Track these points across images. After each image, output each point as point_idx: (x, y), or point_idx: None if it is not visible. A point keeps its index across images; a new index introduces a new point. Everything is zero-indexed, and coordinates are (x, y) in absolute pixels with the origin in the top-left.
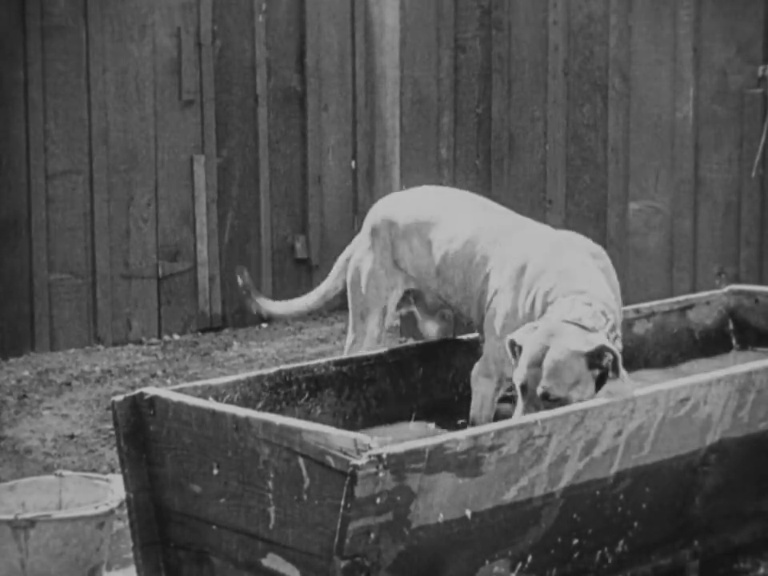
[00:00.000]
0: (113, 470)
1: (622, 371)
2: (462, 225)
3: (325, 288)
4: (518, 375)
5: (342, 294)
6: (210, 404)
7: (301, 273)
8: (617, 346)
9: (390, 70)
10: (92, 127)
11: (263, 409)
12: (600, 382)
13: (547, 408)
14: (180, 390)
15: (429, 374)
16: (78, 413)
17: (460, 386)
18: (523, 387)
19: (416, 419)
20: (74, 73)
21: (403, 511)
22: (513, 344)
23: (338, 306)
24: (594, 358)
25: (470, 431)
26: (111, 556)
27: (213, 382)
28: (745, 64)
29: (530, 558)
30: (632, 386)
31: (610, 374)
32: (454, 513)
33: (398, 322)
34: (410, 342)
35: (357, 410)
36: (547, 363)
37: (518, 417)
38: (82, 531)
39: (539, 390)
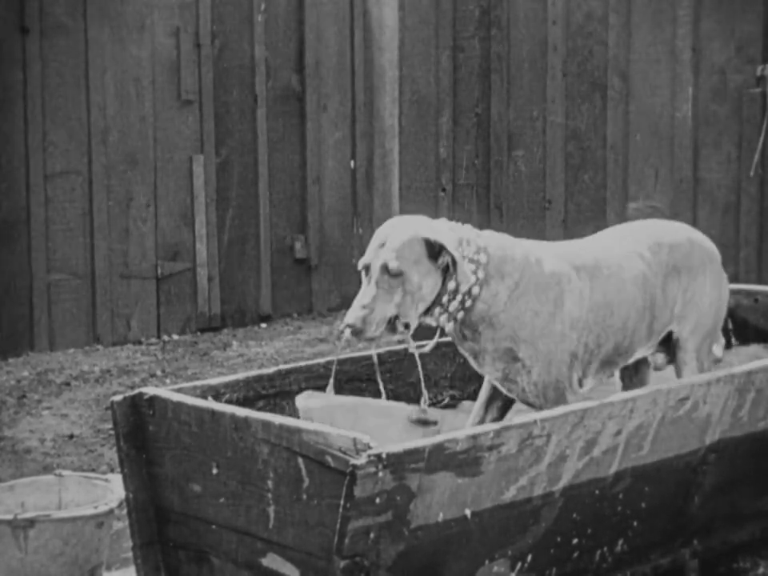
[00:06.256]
0: (112, 470)
1: (462, 270)
2: None
3: None
4: (363, 258)
5: (340, 294)
6: (210, 404)
7: (300, 273)
8: (467, 255)
9: (389, 70)
10: (91, 127)
11: (262, 409)
12: (445, 278)
13: (389, 285)
14: (179, 390)
15: (428, 374)
16: (77, 413)
17: (458, 386)
18: (366, 268)
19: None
20: (73, 73)
21: (403, 511)
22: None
23: (335, 306)
24: (434, 248)
25: (469, 431)
26: (111, 556)
27: (212, 381)
28: (744, 64)
29: (529, 558)
30: (465, 275)
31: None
32: (454, 512)
33: None
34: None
35: None
36: (389, 240)
37: (359, 297)
38: (81, 531)
39: (379, 263)
